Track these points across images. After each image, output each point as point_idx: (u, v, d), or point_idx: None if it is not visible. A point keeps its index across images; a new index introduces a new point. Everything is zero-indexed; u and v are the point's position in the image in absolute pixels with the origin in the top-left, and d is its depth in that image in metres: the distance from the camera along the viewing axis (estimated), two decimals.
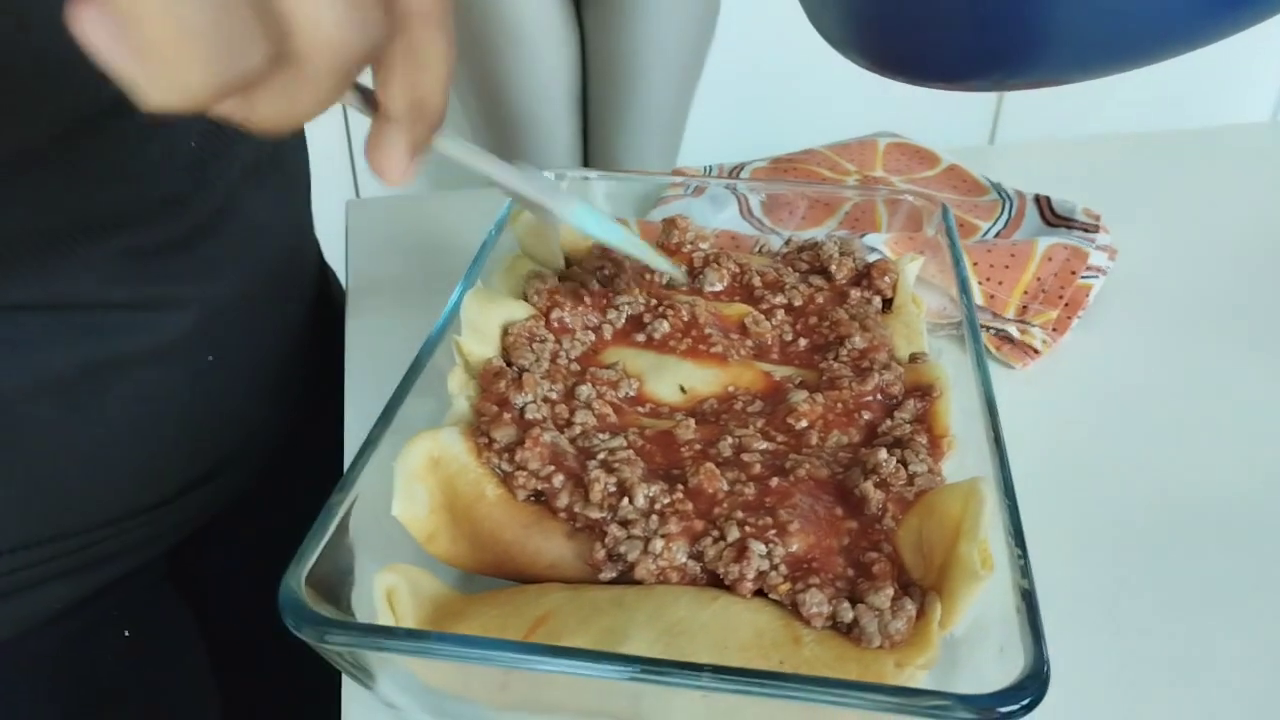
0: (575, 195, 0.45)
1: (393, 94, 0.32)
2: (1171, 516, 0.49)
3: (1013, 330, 0.60)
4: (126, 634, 0.55)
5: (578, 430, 0.43)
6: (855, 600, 0.36)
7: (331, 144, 1.72)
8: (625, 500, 0.38)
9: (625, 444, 0.42)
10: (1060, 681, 0.40)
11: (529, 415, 0.43)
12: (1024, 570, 0.34)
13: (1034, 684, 0.30)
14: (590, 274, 0.53)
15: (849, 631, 0.35)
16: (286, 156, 0.61)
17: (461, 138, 0.39)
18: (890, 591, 0.35)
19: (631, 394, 0.47)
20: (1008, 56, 0.35)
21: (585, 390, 0.45)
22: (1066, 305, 0.61)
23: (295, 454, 0.63)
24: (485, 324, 0.48)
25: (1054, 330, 0.60)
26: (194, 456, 0.55)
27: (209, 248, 0.52)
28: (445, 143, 0.37)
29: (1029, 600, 0.33)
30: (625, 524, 0.38)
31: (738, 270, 0.54)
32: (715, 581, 0.37)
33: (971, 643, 0.36)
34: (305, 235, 0.65)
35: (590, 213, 0.46)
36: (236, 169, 0.53)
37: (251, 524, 0.61)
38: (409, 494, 0.40)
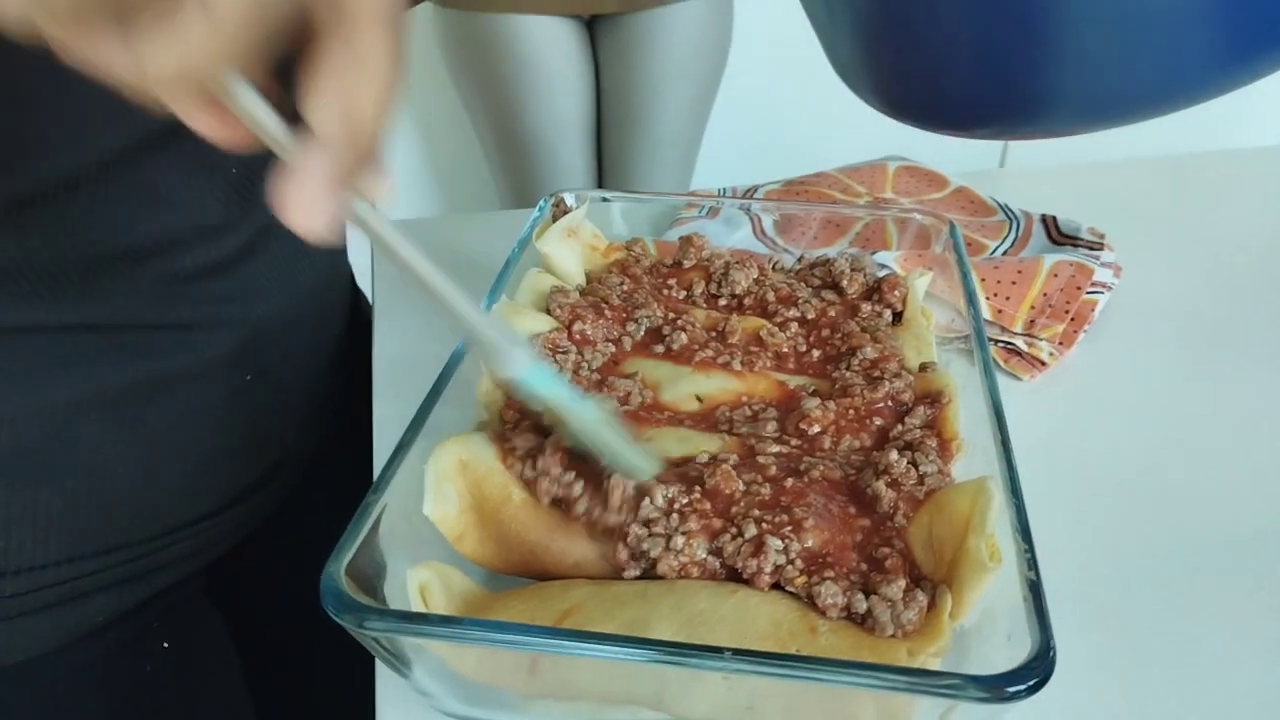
0: (529, 349, 0.39)
1: (319, 104, 0.26)
2: (1174, 521, 0.51)
3: (1020, 343, 0.62)
4: (166, 645, 0.57)
5: None
6: (869, 592, 0.37)
7: None
8: (646, 500, 0.40)
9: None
10: (1064, 679, 0.41)
11: (549, 422, 0.45)
12: (1030, 563, 0.36)
13: (1040, 665, 0.32)
14: (610, 289, 0.55)
15: (863, 622, 0.37)
16: None
17: (399, 229, 0.31)
18: (902, 584, 0.37)
19: (648, 401, 0.48)
20: (1017, 110, 0.36)
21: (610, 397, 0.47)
22: (1073, 320, 0.62)
23: (327, 471, 0.64)
24: None
25: (1060, 343, 0.62)
26: (234, 472, 0.57)
27: (251, 270, 0.53)
28: (372, 216, 0.29)
29: (1035, 590, 0.35)
30: (647, 523, 0.40)
31: (758, 274, 0.56)
32: (734, 576, 0.39)
33: (981, 633, 0.37)
34: (339, 259, 0.67)
35: (542, 373, 0.39)
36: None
37: (285, 539, 0.62)
38: (440, 494, 0.42)
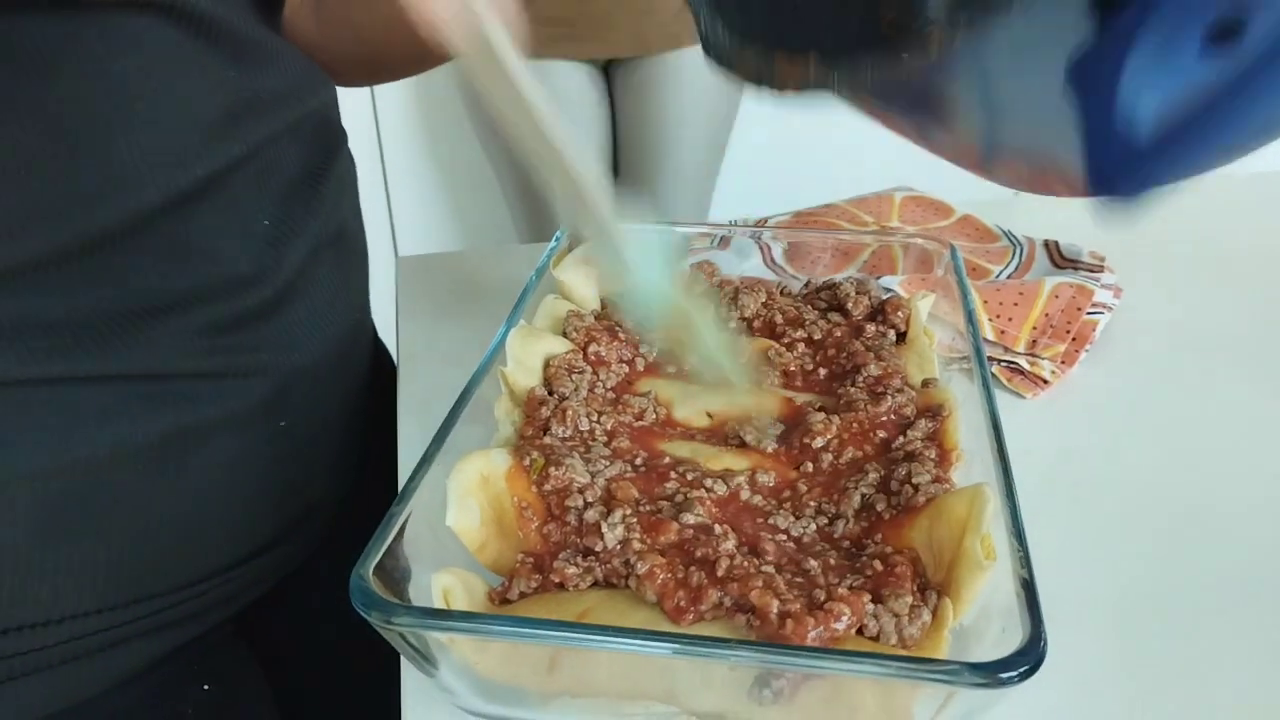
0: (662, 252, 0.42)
1: None
2: (1174, 534, 0.52)
3: (1023, 362, 0.63)
4: (206, 688, 0.57)
5: (601, 466, 0.46)
6: (877, 600, 0.39)
7: (375, 210, 1.80)
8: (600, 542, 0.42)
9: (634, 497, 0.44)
10: (1062, 687, 0.43)
11: (557, 446, 0.47)
12: (1024, 562, 0.38)
13: (1033, 651, 0.33)
14: (621, 315, 0.58)
15: (861, 630, 0.39)
16: (349, 234, 0.63)
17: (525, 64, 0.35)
18: (909, 600, 0.39)
19: (662, 418, 0.51)
20: None
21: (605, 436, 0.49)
22: (1074, 339, 0.64)
23: (352, 519, 0.63)
24: (528, 357, 0.52)
25: (1062, 362, 0.64)
26: (268, 519, 0.57)
27: (282, 320, 0.54)
28: (502, 42, 0.34)
29: (1028, 587, 0.36)
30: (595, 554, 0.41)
31: (766, 298, 0.58)
32: None
33: (977, 630, 0.39)
34: (365, 309, 0.68)
35: (653, 254, 0.44)
36: (306, 246, 0.56)
37: (314, 585, 0.63)
38: (462, 506, 0.44)
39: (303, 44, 0.62)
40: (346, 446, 0.64)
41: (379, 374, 0.71)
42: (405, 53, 0.63)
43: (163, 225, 0.48)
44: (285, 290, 0.55)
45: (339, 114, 0.63)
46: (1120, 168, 0.28)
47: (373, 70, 0.67)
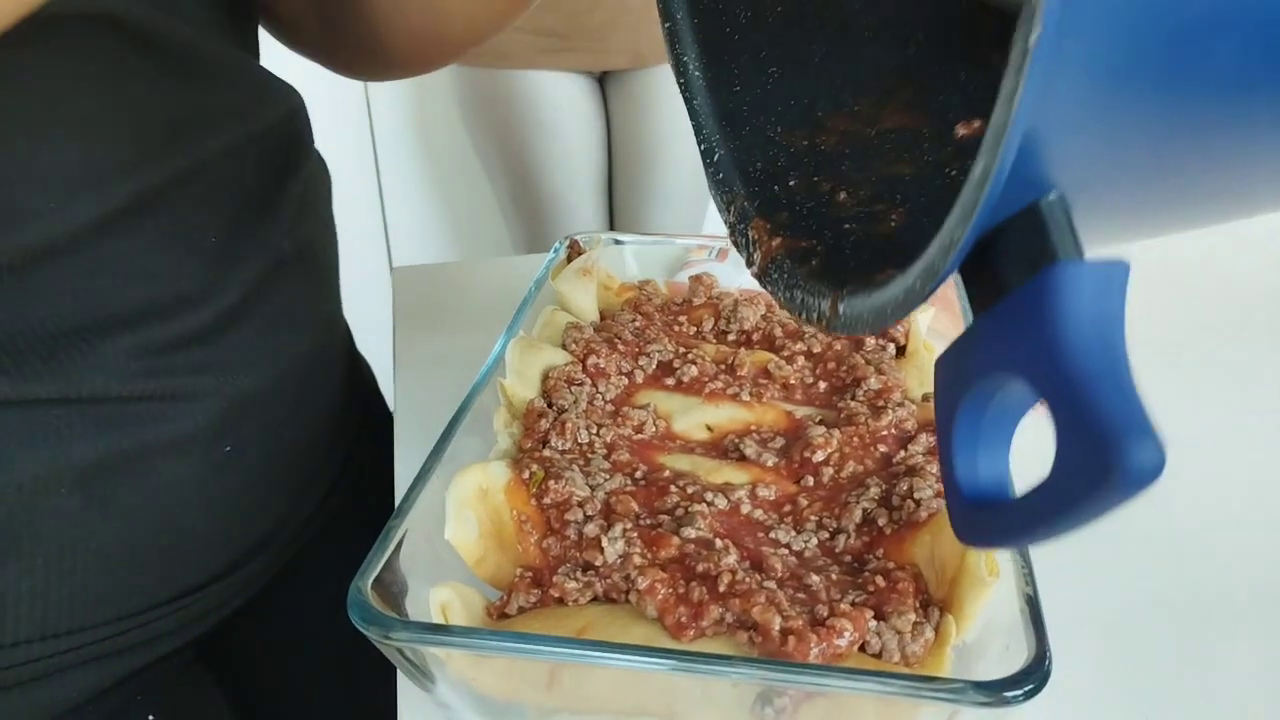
0: None
1: None
2: (1174, 548, 0.52)
3: None
4: (152, 718, 0.55)
5: (601, 479, 0.46)
6: (880, 616, 0.39)
7: (369, 220, 1.79)
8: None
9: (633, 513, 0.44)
10: (1063, 703, 0.42)
11: (556, 458, 0.46)
12: (1028, 578, 0.37)
13: (1037, 670, 0.33)
14: (623, 326, 0.57)
15: (863, 648, 0.38)
16: (315, 253, 0.61)
17: None
18: (912, 617, 0.38)
19: (661, 431, 0.50)
20: None
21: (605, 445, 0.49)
22: None
23: (326, 538, 0.64)
24: (527, 369, 0.52)
25: None
26: (218, 547, 0.55)
27: (231, 341, 0.52)
28: None
29: (1032, 604, 0.36)
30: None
31: (766, 311, 0.58)
32: None
33: (980, 647, 0.38)
34: (334, 324, 0.65)
35: None
36: (260, 265, 0.54)
37: (284, 606, 0.62)
38: (460, 520, 0.43)
39: (319, 44, 0.60)
40: (313, 469, 0.62)
41: (355, 391, 0.68)
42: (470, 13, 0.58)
43: (96, 242, 0.46)
44: (234, 311, 0.52)
45: (306, 129, 0.60)
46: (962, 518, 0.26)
47: (428, 47, 0.61)
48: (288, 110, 0.57)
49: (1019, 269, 0.22)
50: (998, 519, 0.24)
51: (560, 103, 1.47)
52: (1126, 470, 0.19)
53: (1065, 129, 0.20)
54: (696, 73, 0.34)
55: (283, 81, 0.58)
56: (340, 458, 0.65)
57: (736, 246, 0.32)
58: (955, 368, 0.25)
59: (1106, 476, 0.19)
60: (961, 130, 0.32)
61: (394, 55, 0.60)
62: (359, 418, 0.68)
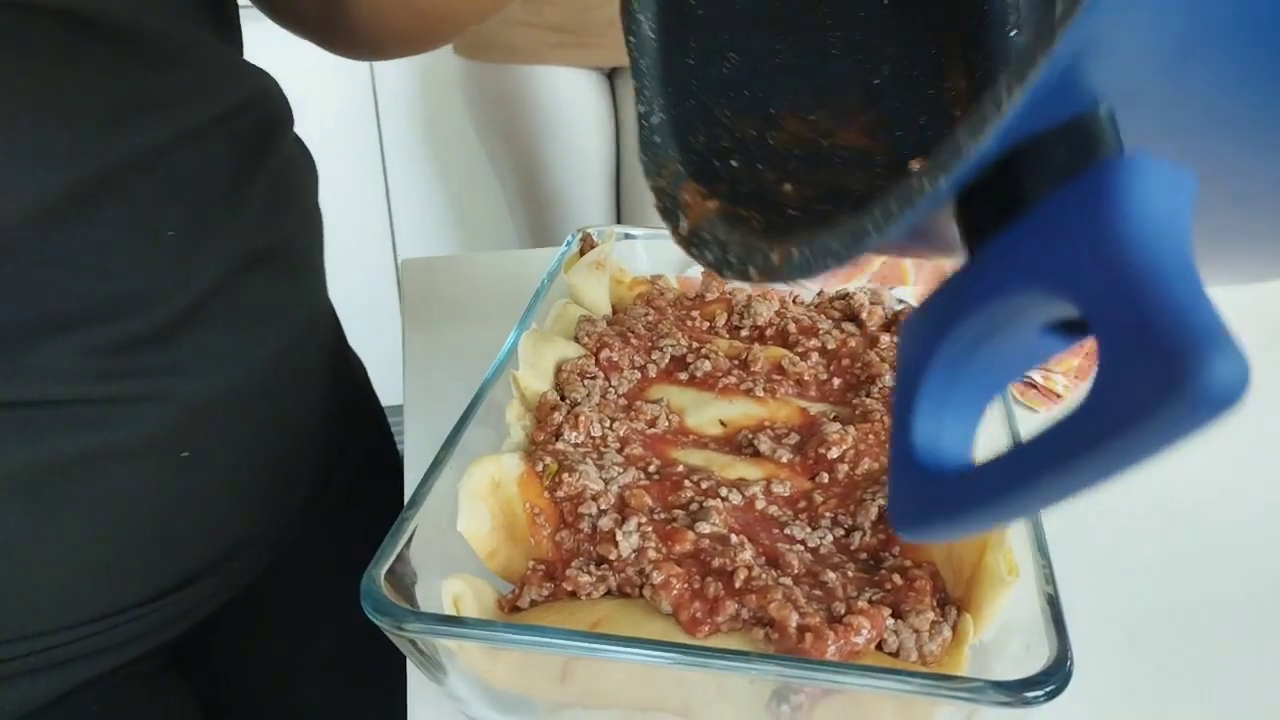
0: None
1: None
2: (1190, 548, 0.52)
3: (1036, 376, 0.63)
4: None
5: (614, 473, 0.46)
6: (897, 615, 0.38)
7: (373, 212, 1.79)
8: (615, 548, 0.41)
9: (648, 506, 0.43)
10: (1081, 705, 0.42)
11: (570, 452, 0.46)
12: (1049, 578, 0.37)
13: (1059, 671, 0.33)
14: (636, 320, 0.57)
15: (880, 646, 0.38)
16: (293, 249, 0.57)
17: None
18: (930, 616, 0.38)
19: (674, 426, 0.50)
20: None
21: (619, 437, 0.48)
22: (1087, 355, 0.64)
23: (306, 544, 0.62)
24: (540, 361, 0.52)
25: (1076, 377, 0.63)
26: (177, 556, 0.53)
27: (189, 342, 0.49)
28: None
29: (1053, 604, 0.36)
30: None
31: (779, 307, 0.58)
32: None
33: (999, 646, 0.38)
34: (316, 324, 0.61)
35: None
36: (225, 260, 0.51)
37: (271, 611, 0.60)
38: (473, 512, 0.43)
39: (315, 23, 0.58)
40: (291, 475, 0.59)
41: (341, 392, 0.65)
42: None
43: (39, 235, 0.43)
44: (194, 309, 0.49)
45: (282, 115, 0.57)
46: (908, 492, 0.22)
47: (427, 24, 0.59)
48: (256, 94, 0.54)
49: (1051, 178, 0.19)
50: (972, 483, 0.20)
51: (569, 98, 1.46)
52: (1206, 385, 0.15)
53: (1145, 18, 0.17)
54: (650, 33, 0.32)
55: (252, 65, 0.55)
56: (326, 461, 0.62)
57: (661, 212, 0.29)
58: (934, 313, 0.22)
59: (1177, 393, 0.16)
60: (916, 165, 0.31)
61: (392, 32, 0.58)
62: (347, 418, 0.65)
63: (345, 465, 0.65)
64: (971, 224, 0.21)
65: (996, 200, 0.20)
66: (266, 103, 0.56)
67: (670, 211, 0.29)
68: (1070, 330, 0.21)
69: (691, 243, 0.27)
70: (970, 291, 0.21)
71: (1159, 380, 0.16)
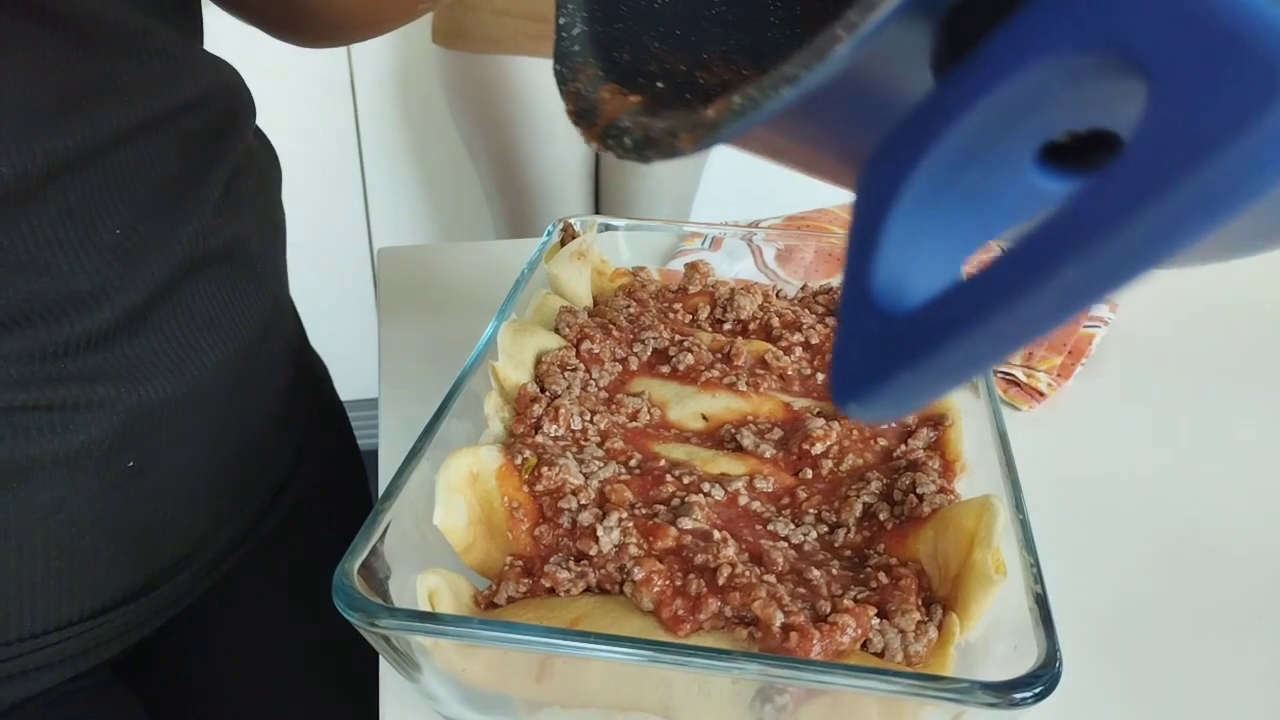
0: None
1: None
2: (1173, 548, 0.51)
3: (1019, 374, 0.62)
4: None
5: (595, 467, 0.45)
6: (883, 615, 0.37)
7: (349, 202, 1.77)
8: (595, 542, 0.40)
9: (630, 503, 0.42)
10: (1067, 704, 0.41)
11: (549, 445, 0.45)
12: (1037, 577, 0.36)
13: (1047, 672, 0.32)
14: (617, 312, 0.56)
15: (865, 646, 0.37)
16: (249, 246, 0.55)
17: None
18: (916, 616, 0.37)
19: (656, 420, 0.49)
20: None
21: (600, 430, 0.47)
22: (1070, 353, 0.63)
23: (263, 552, 0.60)
24: (520, 352, 0.51)
25: (1059, 376, 0.63)
26: (125, 569, 0.50)
27: (134, 347, 0.47)
28: None
29: (1041, 603, 0.35)
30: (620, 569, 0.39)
31: (763, 301, 0.57)
32: None
33: (985, 646, 0.37)
34: (273, 328, 0.58)
35: None
36: (174, 260, 0.48)
37: (218, 619, 0.58)
38: (450, 505, 0.42)
39: (260, 7, 0.56)
40: (244, 483, 0.57)
41: (297, 398, 0.62)
42: None
43: None
44: (139, 311, 0.47)
45: (243, 110, 0.55)
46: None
47: (376, 9, 0.57)
48: (215, 86, 0.52)
49: None
50: (945, 308, 0.16)
51: (546, 88, 1.45)
52: None
53: None
54: None
55: (212, 56, 0.52)
56: (283, 468, 0.60)
57: (574, 115, 0.26)
58: (904, 139, 0.18)
59: (1255, 98, 0.13)
60: None
61: (340, 19, 0.56)
62: (306, 424, 0.63)
63: (305, 471, 0.62)
64: (953, 42, 0.18)
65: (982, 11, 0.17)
66: (225, 95, 0.53)
67: (585, 112, 0.25)
68: (1069, 162, 0.17)
69: (609, 134, 0.24)
70: (957, 95, 0.17)
71: (1246, 93, 0.13)
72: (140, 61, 0.46)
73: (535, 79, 1.44)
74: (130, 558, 0.50)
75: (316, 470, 0.64)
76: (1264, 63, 0.13)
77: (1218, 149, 0.13)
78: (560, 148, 1.48)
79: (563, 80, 0.27)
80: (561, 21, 0.28)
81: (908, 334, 0.17)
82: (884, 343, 0.17)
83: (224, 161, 0.52)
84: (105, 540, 0.48)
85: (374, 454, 0.58)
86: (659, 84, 0.27)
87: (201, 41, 0.54)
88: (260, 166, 0.57)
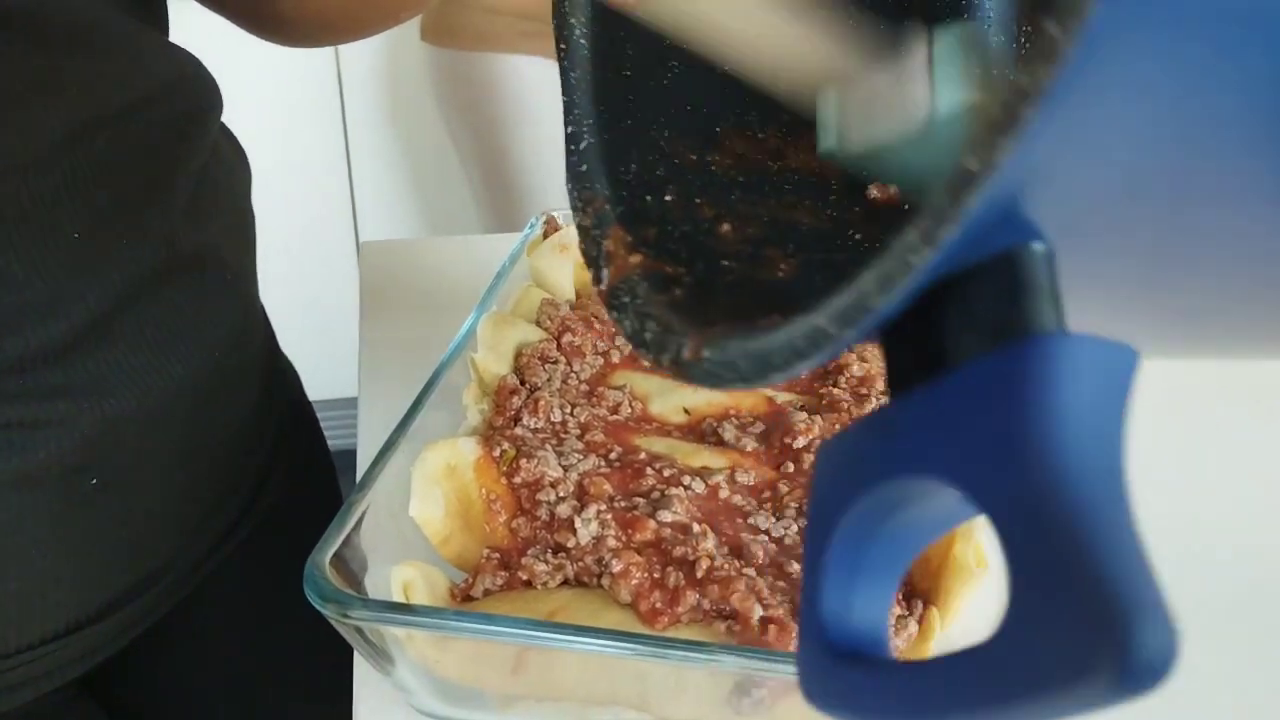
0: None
1: None
2: (1155, 539, 0.51)
3: None
4: None
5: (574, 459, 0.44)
6: None
7: (337, 197, 1.76)
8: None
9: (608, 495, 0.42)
10: None
11: (528, 437, 0.44)
12: None
13: None
14: (600, 304, 0.56)
15: None
16: (218, 253, 0.53)
17: None
18: (896, 610, 0.37)
19: (637, 413, 0.49)
20: None
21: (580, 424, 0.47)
22: None
23: (233, 567, 0.58)
24: (500, 344, 0.50)
25: None
26: (88, 589, 0.49)
27: (97, 360, 0.45)
28: None
29: None
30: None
31: None
32: None
33: (967, 639, 0.37)
34: (243, 339, 0.56)
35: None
36: (139, 267, 0.46)
37: (187, 634, 0.57)
38: (426, 496, 0.41)
39: (245, 6, 0.54)
40: (211, 501, 0.54)
41: (267, 409, 0.60)
42: None
43: None
44: (101, 323, 0.44)
45: (207, 108, 0.52)
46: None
47: (358, 16, 0.55)
48: (176, 81, 0.49)
49: (976, 335, 0.17)
50: (877, 683, 0.17)
51: (538, 88, 1.45)
52: (1129, 663, 0.13)
53: (1097, 139, 0.14)
54: (582, 40, 0.29)
55: (175, 47, 0.50)
56: (253, 482, 0.58)
57: (585, 257, 0.26)
58: (848, 460, 0.19)
59: (1094, 665, 0.13)
60: (875, 193, 0.27)
61: (321, 20, 0.54)
62: (277, 436, 0.61)
63: (274, 483, 0.61)
64: (894, 363, 0.18)
65: (917, 345, 0.17)
66: (188, 90, 0.50)
67: (593, 259, 0.26)
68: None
69: (611, 303, 0.25)
70: (877, 457, 0.18)
71: (1076, 642, 0.14)
72: (91, 55, 0.44)
73: (526, 77, 1.43)
74: (94, 578, 0.48)
75: (286, 480, 0.62)
76: (1093, 622, 0.14)
77: (1055, 690, 0.14)
78: (549, 148, 1.48)
79: (574, 207, 0.27)
80: (569, 131, 0.28)
81: (848, 688, 0.18)
82: (832, 681, 0.18)
83: (189, 160, 0.50)
84: (67, 561, 0.47)
85: (352, 453, 0.57)
86: (668, 198, 0.27)
87: (165, 32, 0.52)
88: (228, 167, 0.55)
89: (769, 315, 0.19)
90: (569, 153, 0.28)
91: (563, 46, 0.29)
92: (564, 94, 0.29)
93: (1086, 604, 0.14)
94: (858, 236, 0.26)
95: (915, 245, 0.15)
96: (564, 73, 0.29)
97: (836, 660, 0.18)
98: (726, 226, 0.27)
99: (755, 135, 0.29)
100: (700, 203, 0.27)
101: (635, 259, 0.25)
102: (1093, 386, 0.15)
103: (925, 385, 0.17)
